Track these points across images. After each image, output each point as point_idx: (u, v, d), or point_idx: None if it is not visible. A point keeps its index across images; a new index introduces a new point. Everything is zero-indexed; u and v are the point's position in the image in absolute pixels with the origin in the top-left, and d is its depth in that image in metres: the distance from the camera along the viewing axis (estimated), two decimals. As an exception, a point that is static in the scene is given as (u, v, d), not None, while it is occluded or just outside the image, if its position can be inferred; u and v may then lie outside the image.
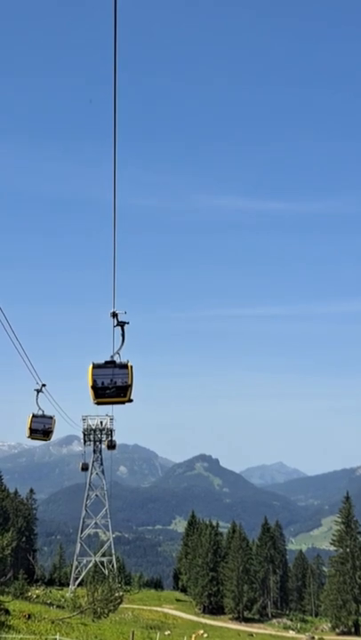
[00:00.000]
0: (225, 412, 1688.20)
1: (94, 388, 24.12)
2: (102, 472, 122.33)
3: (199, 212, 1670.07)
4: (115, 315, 22.87)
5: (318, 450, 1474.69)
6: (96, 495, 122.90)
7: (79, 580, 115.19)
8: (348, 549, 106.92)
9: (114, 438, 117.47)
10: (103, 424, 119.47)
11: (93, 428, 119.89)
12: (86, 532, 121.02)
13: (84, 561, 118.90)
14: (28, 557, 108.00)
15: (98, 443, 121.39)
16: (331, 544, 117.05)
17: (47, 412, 38.19)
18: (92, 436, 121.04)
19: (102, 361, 24.50)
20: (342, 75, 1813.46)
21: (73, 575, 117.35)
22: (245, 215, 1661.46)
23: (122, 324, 22.88)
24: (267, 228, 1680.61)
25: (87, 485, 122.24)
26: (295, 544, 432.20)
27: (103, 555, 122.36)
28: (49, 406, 36.08)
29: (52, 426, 40.82)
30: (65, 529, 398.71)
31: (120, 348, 23.70)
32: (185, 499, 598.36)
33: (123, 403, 24.76)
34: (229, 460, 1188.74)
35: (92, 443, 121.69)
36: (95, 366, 24.42)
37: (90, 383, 24.11)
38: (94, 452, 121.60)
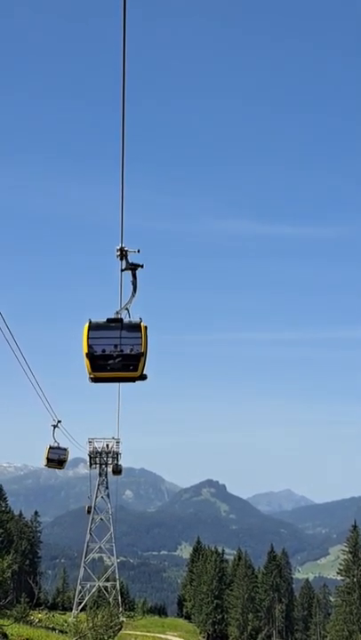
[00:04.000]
0: (233, 438, 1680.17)
1: (91, 356, 17.79)
2: (108, 496, 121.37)
3: (208, 235, 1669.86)
4: (123, 253, 17.37)
5: (327, 477, 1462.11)
6: (101, 519, 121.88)
7: (82, 604, 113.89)
8: (355, 579, 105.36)
9: (120, 462, 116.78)
10: (109, 447, 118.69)
11: (99, 450, 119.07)
12: (90, 556, 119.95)
13: (88, 585, 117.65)
14: (30, 581, 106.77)
15: (104, 466, 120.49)
16: (338, 573, 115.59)
17: (61, 444, 43.60)
18: (97, 459, 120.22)
19: (104, 319, 18.14)
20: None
21: (76, 600, 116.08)
22: (255, 239, 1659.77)
23: (133, 268, 17.54)
24: (276, 253, 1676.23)
25: (92, 509, 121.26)
26: (302, 573, 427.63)
27: (107, 580, 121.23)
28: (62, 438, 38.47)
29: (66, 456, 46.44)
30: (69, 552, 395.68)
31: (130, 302, 17.98)
32: (191, 524, 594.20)
33: (132, 380, 18.19)
34: (237, 486, 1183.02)
35: (97, 466, 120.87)
36: (93, 326, 18.09)
37: (84, 349, 17.88)
38: (100, 475, 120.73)
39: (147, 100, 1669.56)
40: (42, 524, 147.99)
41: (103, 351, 17.73)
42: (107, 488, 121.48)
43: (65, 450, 45.58)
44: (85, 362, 17.70)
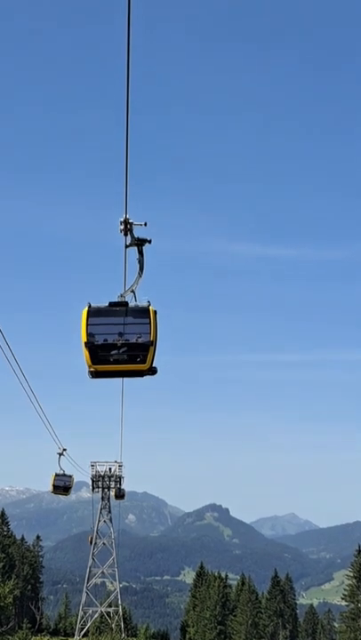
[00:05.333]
0: (236, 461, 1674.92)
1: (91, 346, 15.61)
2: (110, 520, 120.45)
3: (212, 257, 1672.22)
4: (127, 226, 15.41)
5: (331, 501, 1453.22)
6: (103, 543, 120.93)
7: (85, 630, 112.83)
8: (359, 605, 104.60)
9: (122, 487, 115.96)
10: (112, 470, 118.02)
11: (102, 474, 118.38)
12: (93, 581, 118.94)
13: (90, 611, 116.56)
14: (32, 606, 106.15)
15: (106, 490, 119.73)
16: (342, 599, 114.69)
17: (67, 472, 45.47)
18: (100, 483, 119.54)
19: (106, 303, 16.04)
20: None
21: (78, 625, 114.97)
22: (260, 261, 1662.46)
23: (139, 243, 15.65)
24: (280, 275, 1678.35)
25: (95, 533, 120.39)
26: (306, 598, 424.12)
27: (110, 605, 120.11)
28: (65, 463, 39.49)
29: (72, 483, 48.55)
30: (71, 577, 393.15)
31: (136, 283, 16.08)
32: (194, 549, 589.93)
33: (140, 374, 16.07)
34: (240, 510, 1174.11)
35: (100, 489, 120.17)
36: (93, 311, 15.95)
37: (83, 338, 15.71)
38: (102, 499, 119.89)
39: (147, 116, 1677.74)
40: (44, 548, 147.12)
41: (105, 340, 15.62)
42: (109, 512, 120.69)
43: (70, 477, 47.35)
44: (84, 353, 15.56)
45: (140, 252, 15.75)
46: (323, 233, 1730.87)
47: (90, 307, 15.84)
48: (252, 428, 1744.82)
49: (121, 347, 15.59)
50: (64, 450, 38.50)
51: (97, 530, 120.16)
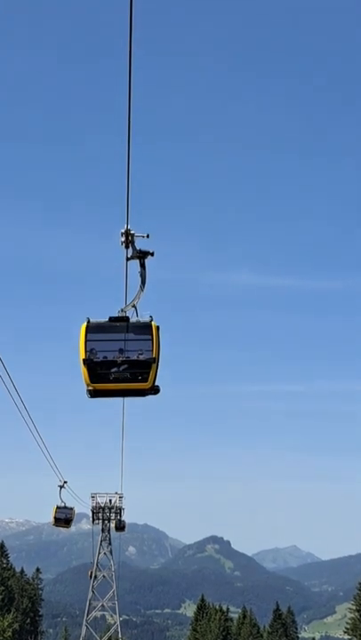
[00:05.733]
0: (237, 493, 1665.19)
1: (90, 363, 14.88)
2: (110, 552, 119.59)
3: (209, 288, 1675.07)
4: (129, 238, 14.73)
5: (333, 533, 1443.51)
6: (103, 576, 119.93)
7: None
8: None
9: (123, 518, 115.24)
10: (112, 502, 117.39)
11: (102, 506, 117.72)
12: (93, 614, 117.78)
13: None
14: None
15: (106, 521, 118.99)
16: (345, 632, 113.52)
17: (68, 504, 46.07)
18: (100, 515, 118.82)
19: (105, 318, 15.33)
20: None
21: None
22: (256, 291, 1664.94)
23: (141, 256, 14.89)
24: (274, 306, 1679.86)
25: (95, 566, 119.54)
26: (308, 631, 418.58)
27: (110, 639, 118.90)
28: (68, 497, 40.01)
29: (73, 515, 48.92)
30: (71, 610, 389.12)
31: (137, 297, 15.29)
32: (195, 582, 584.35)
33: (141, 393, 15.22)
34: (241, 543, 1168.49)
35: (100, 521, 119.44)
36: (92, 327, 15.27)
37: (81, 354, 15.02)
38: (102, 530, 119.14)
39: (147, 147, 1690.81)
40: (43, 581, 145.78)
41: (105, 357, 14.80)
42: (109, 544, 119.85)
43: (71, 509, 47.79)
44: (82, 370, 14.75)
45: (142, 265, 14.96)
46: (321, 263, 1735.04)
47: (89, 322, 15.15)
48: (253, 459, 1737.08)
49: (121, 364, 14.78)
50: (65, 482, 38.79)
51: (97, 562, 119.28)
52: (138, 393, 15.19)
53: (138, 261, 14.95)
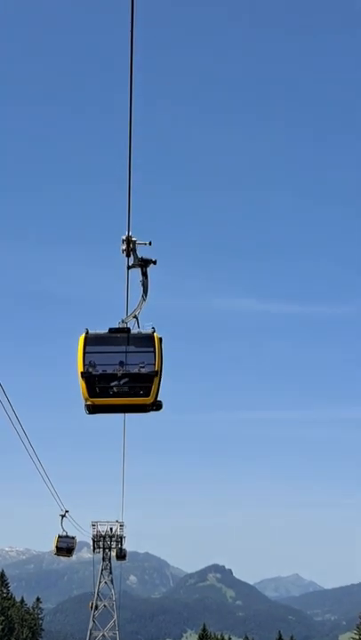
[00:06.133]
0: (239, 521, 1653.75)
1: (88, 377, 14.19)
2: (111, 581, 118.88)
3: (214, 314, 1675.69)
4: (130, 245, 14.20)
5: (336, 562, 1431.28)
6: (104, 606, 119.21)
7: None
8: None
9: (124, 547, 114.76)
10: (113, 530, 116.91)
11: (103, 534, 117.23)
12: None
13: None
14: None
15: (107, 550, 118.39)
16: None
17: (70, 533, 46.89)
18: (101, 543, 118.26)
19: (105, 329, 14.62)
20: None
21: None
22: (258, 317, 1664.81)
23: (143, 264, 14.42)
24: (281, 332, 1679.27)
25: (95, 595, 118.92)
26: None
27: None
28: (69, 526, 40.45)
29: (74, 544, 49.87)
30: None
31: (139, 308, 14.81)
32: (197, 611, 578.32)
33: (143, 409, 14.40)
34: (243, 571, 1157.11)
35: (101, 550, 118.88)
36: (91, 338, 14.61)
37: (79, 367, 14.39)
38: (103, 559, 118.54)
39: (148, 183, 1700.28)
40: (44, 610, 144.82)
41: (104, 370, 14.10)
42: (110, 573, 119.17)
43: (73, 538, 48.77)
44: (80, 384, 14.03)
45: (144, 274, 14.41)
46: (326, 291, 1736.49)
47: (87, 333, 14.51)
48: (254, 487, 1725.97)
49: (122, 377, 14.05)
50: (66, 512, 39.29)
51: (98, 591, 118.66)
52: (139, 409, 14.42)
53: (139, 270, 14.48)
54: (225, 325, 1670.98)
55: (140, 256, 14.25)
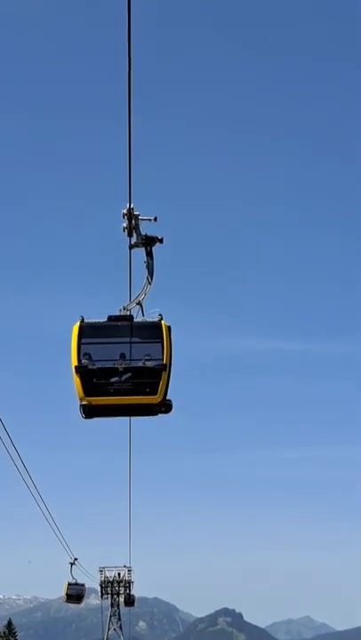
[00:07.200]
0: (249, 563, 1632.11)
1: (84, 371, 12.08)
2: (120, 628, 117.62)
3: (216, 352, 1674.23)
4: (132, 221, 12.21)
5: (347, 602, 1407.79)
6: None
7: None
8: None
9: (132, 592, 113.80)
10: (121, 575, 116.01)
11: (111, 580, 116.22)
12: None
13: None
14: None
15: (115, 596, 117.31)
16: None
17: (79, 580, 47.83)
18: (109, 589, 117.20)
19: (104, 317, 12.71)
20: None
21: None
22: (259, 356, 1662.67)
23: (148, 242, 12.42)
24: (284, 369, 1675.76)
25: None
26: None
27: None
28: (78, 573, 40.91)
29: (84, 591, 50.97)
30: None
31: (143, 292, 12.89)
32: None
33: (149, 410, 12.18)
34: (254, 614, 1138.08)
35: (109, 596, 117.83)
36: (87, 328, 12.51)
37: (73, 361, 12.28)
38: (112, 605, 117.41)
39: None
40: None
41: (103, 364, 12.14)
42: (119, 619, 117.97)
43: (82, 585, 49.70)
44: (75, 381, 12.04)
45: (149, 254, 12.60)
46: (329, 327, 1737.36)
47: (82, 322, 12.56)
48: (263, 528, 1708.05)
49: (124, 372, 12.07)
50: (75, 559, 39.84)
51: (107, 638, 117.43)
52: (145, 410, 12.30)
53: (144, 250, 12.76)
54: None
55: (143, 233, 12.46)
